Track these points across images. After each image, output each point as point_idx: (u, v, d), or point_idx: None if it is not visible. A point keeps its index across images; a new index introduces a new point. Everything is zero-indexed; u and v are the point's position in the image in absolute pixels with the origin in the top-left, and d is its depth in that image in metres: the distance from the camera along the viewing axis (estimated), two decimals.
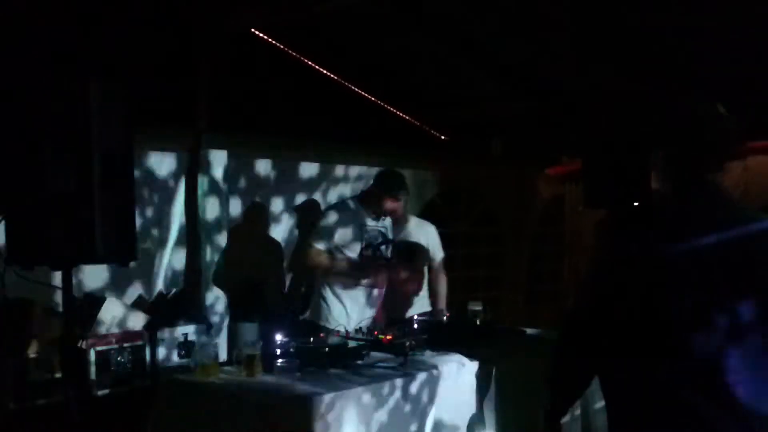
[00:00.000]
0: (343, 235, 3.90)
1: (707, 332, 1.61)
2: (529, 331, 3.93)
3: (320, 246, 3.87)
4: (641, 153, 1.78)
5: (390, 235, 4.12)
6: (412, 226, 4.45)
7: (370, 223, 4.00)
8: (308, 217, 4.76)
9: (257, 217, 5.00)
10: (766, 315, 1.61)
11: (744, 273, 1.62)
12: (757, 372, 1.61)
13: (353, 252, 3.92)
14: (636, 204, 1.88)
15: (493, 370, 3.29)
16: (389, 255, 4.06)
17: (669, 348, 1.64)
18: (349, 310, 3.93)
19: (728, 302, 1.62)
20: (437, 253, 4.49)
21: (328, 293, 3.97)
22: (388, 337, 3.39)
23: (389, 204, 3.99)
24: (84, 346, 3.13)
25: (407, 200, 4.32)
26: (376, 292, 4.05)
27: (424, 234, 4.46)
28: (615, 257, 1.77)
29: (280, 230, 5.13)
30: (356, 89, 5.79)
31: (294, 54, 5.30)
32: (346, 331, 3.63)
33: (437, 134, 6.67)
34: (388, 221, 4.14)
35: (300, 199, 5.23)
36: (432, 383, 3.06)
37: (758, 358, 1.61)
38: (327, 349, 3.13)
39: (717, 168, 1.75)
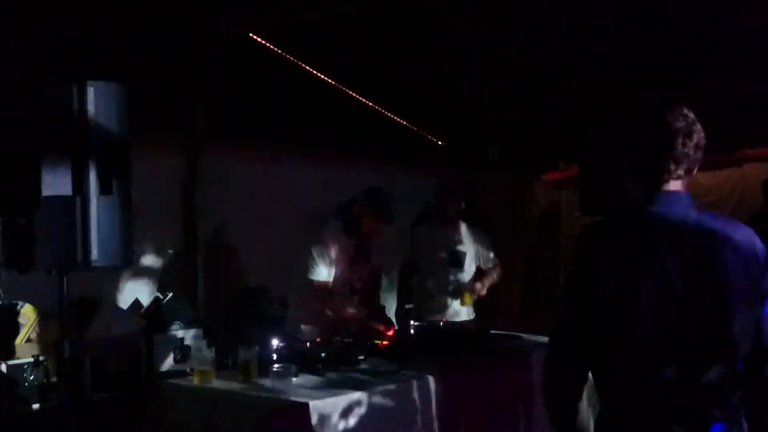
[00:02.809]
0: (335, 259, 3.77)
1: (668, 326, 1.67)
2: (525, 336, 3.93)
3: (322, 278, 3.75)
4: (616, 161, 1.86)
5: (374, 252, 4.03)
6: (462, 232, 4.49)
7: (354, 241, 3.83)
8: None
9: (256, 222, 4.99)
10: (722, 310, 1.66)
11: (702, 271, 1.68)
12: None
13: (341, 267, 3.82)
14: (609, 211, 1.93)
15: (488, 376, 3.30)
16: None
17: (635, 343, 1.69)
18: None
19: (686, 299, 1.66)
20: (488, 258, 4.53)
21: (304, 309, 3.91)
22: (385, 343, 3.39)
23: (371, 223, 3.79)
24: (79, 351, 3.12)
25: (459, 205, 4.37)
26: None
27: (474, 240, 4.50)
28: (585, 263, 1.80)
29: (278, 236, 5.12)
30: (354, 95, 5.80)
31: (292, 59, 5.30)
32: (343, 335, 3.62)
33: (435, 140, 6.68)
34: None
35: (299, 204, 5.23)
36: (428, 388, 3.06)
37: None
38: (323, 354, 3.13)
39: (681, 176, 1.77)
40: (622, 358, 1.73)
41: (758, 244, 1.73)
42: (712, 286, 1.68)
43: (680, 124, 1.75)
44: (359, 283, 3.95)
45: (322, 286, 3.75)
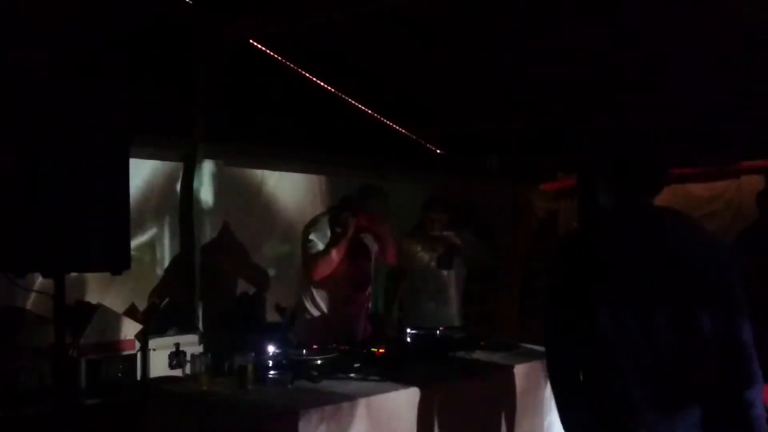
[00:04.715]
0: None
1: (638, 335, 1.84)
2: (522, 345, 3.93)
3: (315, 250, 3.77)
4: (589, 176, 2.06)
5: (371, 249, 4.04)
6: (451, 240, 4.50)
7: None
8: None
9: (253, 227, 4.99)
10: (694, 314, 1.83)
11: (674, 276, 1.85)
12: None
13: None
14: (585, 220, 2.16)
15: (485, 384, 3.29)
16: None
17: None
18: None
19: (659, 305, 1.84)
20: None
21: (312, 309, 3.93)
22: (381, 350, 3.39)
23: (364, 220, 3.81)
24: (74, 355, 3.11)
25: (444, 216, 4.38)
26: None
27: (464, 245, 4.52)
28: (566, 267, 1.98)
29: (275, 241, 5.12)
30: (353, 102, 5.80)
31: (291, 66, 5.31)
32: (340, 343, 3.61)
33: (433, 148, 6.69)
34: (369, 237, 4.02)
35: (296, 210, 5.23)
36: (424, 397, 3.05)
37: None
38: (319, 361, 3.12)
39: (650, 191, 1.97)
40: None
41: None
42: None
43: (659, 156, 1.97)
44: (362, 277, 3.96)
45: (321, 260, 3.72)
